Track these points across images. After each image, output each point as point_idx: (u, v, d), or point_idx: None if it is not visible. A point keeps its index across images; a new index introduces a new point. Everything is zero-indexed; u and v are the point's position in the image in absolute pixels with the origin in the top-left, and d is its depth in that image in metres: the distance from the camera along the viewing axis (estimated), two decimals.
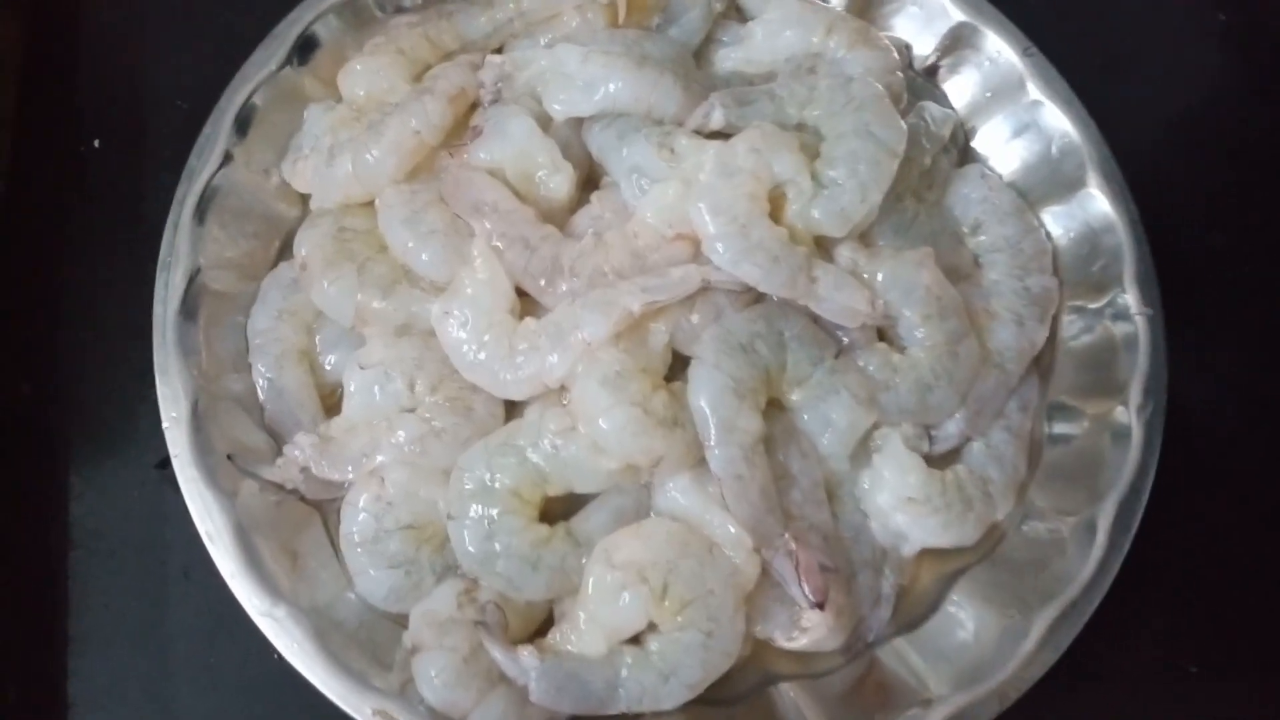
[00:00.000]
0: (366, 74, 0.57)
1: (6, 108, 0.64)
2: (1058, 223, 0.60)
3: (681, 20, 0.60)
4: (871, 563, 0.52)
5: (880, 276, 0.54)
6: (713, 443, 0.49)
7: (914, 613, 0.53)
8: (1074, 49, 0.63)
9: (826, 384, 0.52)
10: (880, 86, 0.56)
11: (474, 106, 0.56)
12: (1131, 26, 0.73)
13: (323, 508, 0.53)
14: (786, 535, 0.49)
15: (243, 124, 0.58)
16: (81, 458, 0.59)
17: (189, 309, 0.54)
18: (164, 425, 0.51)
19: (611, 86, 0.53)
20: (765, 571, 0.49)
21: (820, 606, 0.48)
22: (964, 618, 0.53)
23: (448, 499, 0.50)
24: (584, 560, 0.49)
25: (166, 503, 0.55)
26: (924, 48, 0.65)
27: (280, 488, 0.51)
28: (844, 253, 0.54)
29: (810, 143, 0.54)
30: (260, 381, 0.54)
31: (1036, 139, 0.62)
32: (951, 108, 0.64)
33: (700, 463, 0.50)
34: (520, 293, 0.52)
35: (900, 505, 0.52)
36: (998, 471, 0.55)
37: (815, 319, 0.53)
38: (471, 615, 0.48)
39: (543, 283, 0.52)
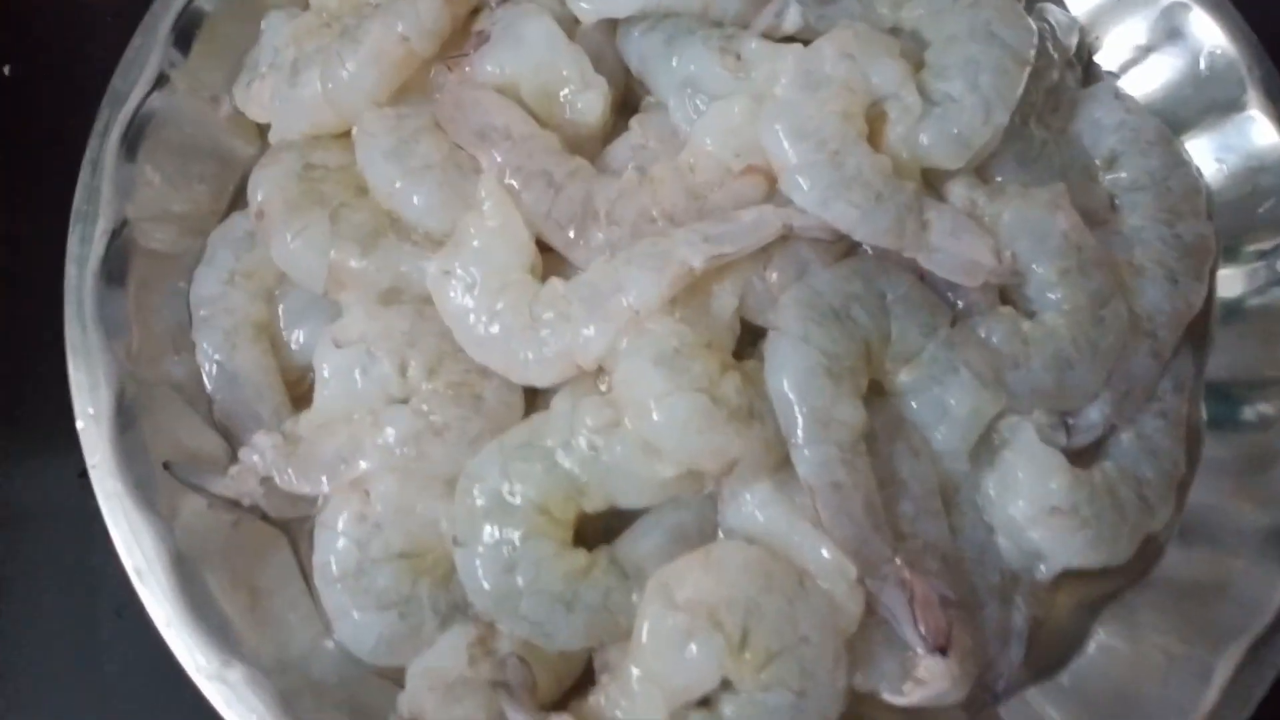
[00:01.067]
0: None
1: None
2: (1209, 155, 0.55)
3: None
4: (1000, 591, 0.47)
5: (1006, 219, 0.48)
6: (801, 440, 0.44)
7: (1052, 653, 0.48)
8: None
9: (943, 361, 0.46)
10: None
11: (477, 8, 0.51)
12: None
13: (291, 529, 0.48)
14: (898, 560, 0.43)
15: (184, 37, 0.52)
16: None
17: (113, 271, 0.48)
18: (79, 424, 0.45)
19: None
20: (869, 609, 0.44)
21: (942, 651, 0.43)
22: (1116, 658, 0.47)
23: (453, 518, 0.45)
24: (634, 597, 0.43)
25: (95, 521, 0.47)
26: None
27: (236, 504, 0.46)
28: (959, 190, 0.49)
29: (909, 52, 0.48)
30: (208, 365, 0.50)
31: (1179, 52, 0.56)
32: (1068, 11, 0.57)
33: (782, 467, 0.44)
34: (542, 246, 0.47)
35: (1040, 517, 0.47)
36: (1153, 469, 0.49)
37: (922, 276, 0.47)
38: (488, 673, 0.43)
39: (572, 232, 0.46)
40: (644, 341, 0.43)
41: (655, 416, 0.42)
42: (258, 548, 0.47)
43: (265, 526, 0.47)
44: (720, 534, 0.45)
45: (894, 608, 0.43)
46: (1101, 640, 0.48)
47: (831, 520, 0.43)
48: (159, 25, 0.51)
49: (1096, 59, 0.58)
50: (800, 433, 0.44)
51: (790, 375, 0.44)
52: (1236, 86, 0.54)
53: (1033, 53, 0.48)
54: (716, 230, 0.45)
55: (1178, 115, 0.55)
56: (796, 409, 0.44)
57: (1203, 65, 0.55)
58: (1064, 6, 0.58)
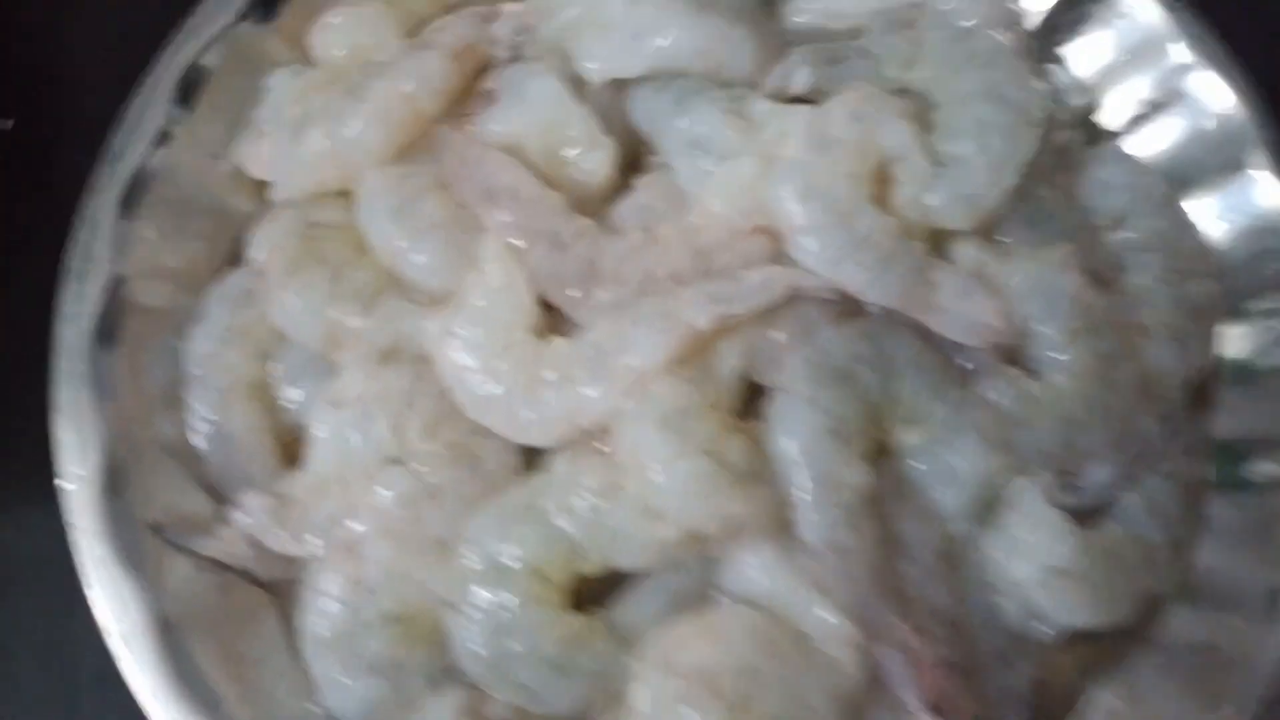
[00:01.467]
0: (346, 28, 0.52)
1: None
2: (1214, 215, 0.54)
3: None
4: (1002, 653, 0.46)
5: (1015, 281, 0.47)
6: (808, 503, 0.43)
7: (1054, 714, 0.47)
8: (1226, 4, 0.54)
9: (951, 423, 0.46)
10: (1004, 40, 0.50)
11: (485, 67, 0.51)
12: None
13: (280, 592, 0.47)
14: (906, 626, 0.43)
15: (186, 93, 0.51)
16: None
17: (107, 330, 0.47)
18: (68, 486, 0.44)
19: (666, 38, 0.48)
20: (872, 672, 0.43)
21: (941, 715, 0.42)
22: None
23: (447, 582, 0.44)
24: (630, 663, 0.43)
25: (77, 585, 0.46)
26: (1041, 1, 0.57)
27: (224, 566, 0.45)
28: (968, 251, 0.48)
29: (918, 112, 0.48)
30: (200, 425, 0.48)
31: (1184, 112, 0.54)
32: (1074, 75, 0.57)
33: (785, 530, 0.44)
34: (546, 305, 0.47)
35: (1044, 579, 0.46)
36: (1160, 531, 0.49)
37: (928, 337, 0.47)
38: None
39: (576, 292, 0.46)
40: (648, 403, 0.43)
41: (658, 479, 0.42)
42: (245, 613, 0.46)
43: (254, 591, 0.46)
44: (720, 598, 0.44)
45: (896, 672, 0.43)
46: (1104, 702, 0.47)
47: (836, 584, 0.43)
48: (161, 84, 0.50)
49: (1100, 119, 0.56)
50: (808, 495, 0.43)
51: (797, 437, 0.43)
52: (1242, 147, 0.53)
53: (1044, 115, 0.48)
54: (723, 291, 0.44)
55: (1182, 175, 0.54)
56: (805, 471, 0.43)
57: (1207, 125, 0.54)
58: (1066, 68, 0.56)
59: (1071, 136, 0.54)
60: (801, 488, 0.43)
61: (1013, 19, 0.53)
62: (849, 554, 0.43)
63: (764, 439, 0.44)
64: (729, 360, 0.45)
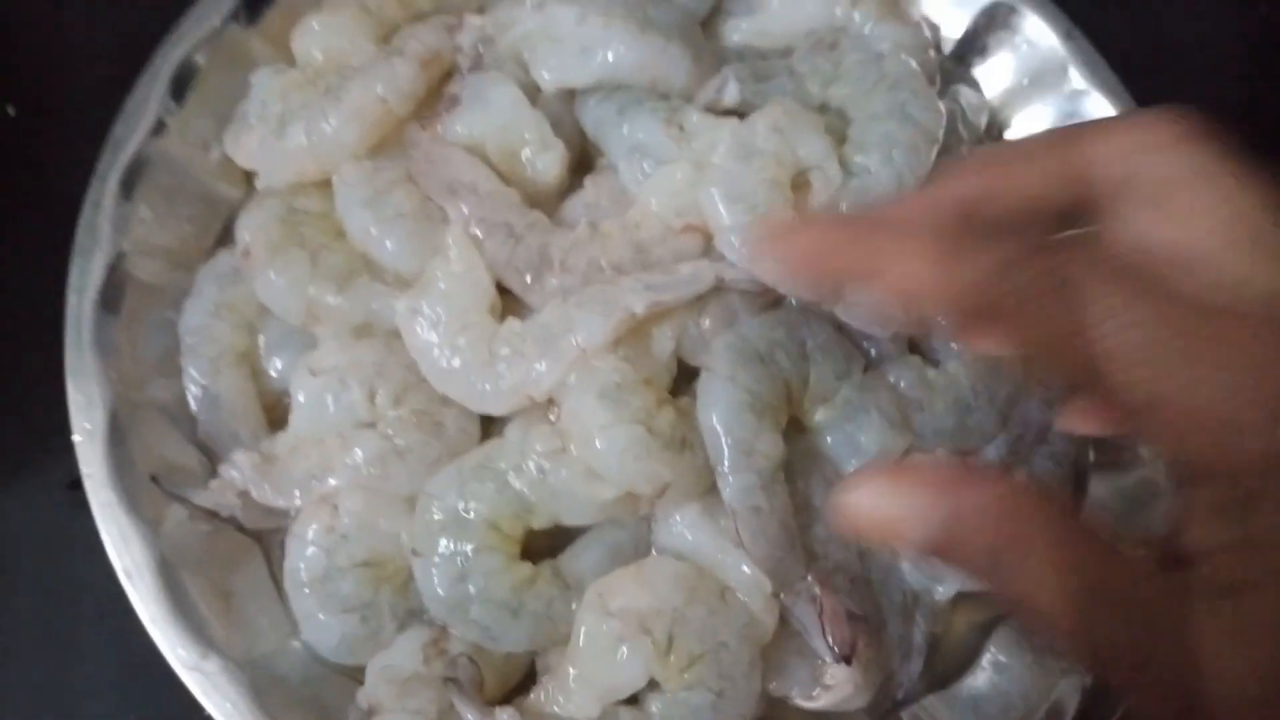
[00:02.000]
0: (325, 32, 0.51)
1: None
2: None
3: None
4: (902, 609, 0.48)
5: None
6: (726, 469, 0.44)
7: (947, 666, 0.49)
8: (1119, 33, 0.58)
9: (855, 402, 0.47)
10: (915, 64, 0.51)
11: (449, 73, 0.52)
12: (1186, 8, 0.69)
13: (264, 539, 0.48)
14: (810, 578, 0.44)
15: (179, 88, 0.52)
16: None
17: (109, 301, 0.48)
18: (75, 438, 0.46)
19: (611, 53, 0.48)
20: (783, 621, 0.45)
21: (847, 660, 0.44)
22: (1003, 672, 0.49)
23: (412, 532, 0.45)
24: (573, 606, 0.44)
25: (79, 530, 0.48)
26: (954, 29, 0.60)
27: (214, 515, 0.46)
28: None
29: (834, 126, 0.49)
30: (192, 388, 0.49)
31: None
32: (983, 94, 0.59)
33: (709, 492, 0.45)
34: (501, 289, 0.47)
35: None
36: None
37: (839, 326, 0.48)
38: (440, 671, 0.43)
39: (528, 278, 0.47)
40: (590, 377, 0.43)
41: (598, 444, 0.43)
42: (233, 555, 0.47)
43: (240, 536, 0.47)
44: (653, 551, 0.46)
45: (805, 620, 0.44)
46: (993, 656, 0.48)
47: (751, 540, 0.43)
48: (157, 79, 0.51)
49: (1007, 136, 0.59)
50: (726, 461, 0.44)
51: (719, 410, 0.44)
52: None
53: (941, 132, 0.48)
54: (658, 281, 0.45)
55: None
56: (723, 440, 0.44)
57: None
58: (978, 89, 0.59)
59: (974, 151, 0.54)
60: (720, 454, 0.44)
61: (925, 45, 0.53)
62: (762, 514, 0.43)
63: (691, 413, 0.45)
64: (662, 342, 0.45)
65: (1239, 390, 0.26)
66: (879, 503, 0.28)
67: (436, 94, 0.51)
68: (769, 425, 0.45)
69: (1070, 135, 0.34)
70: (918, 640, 0.48)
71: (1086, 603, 0.26)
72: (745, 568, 0.44)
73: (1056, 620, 0.26)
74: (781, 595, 0.44)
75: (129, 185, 0.50)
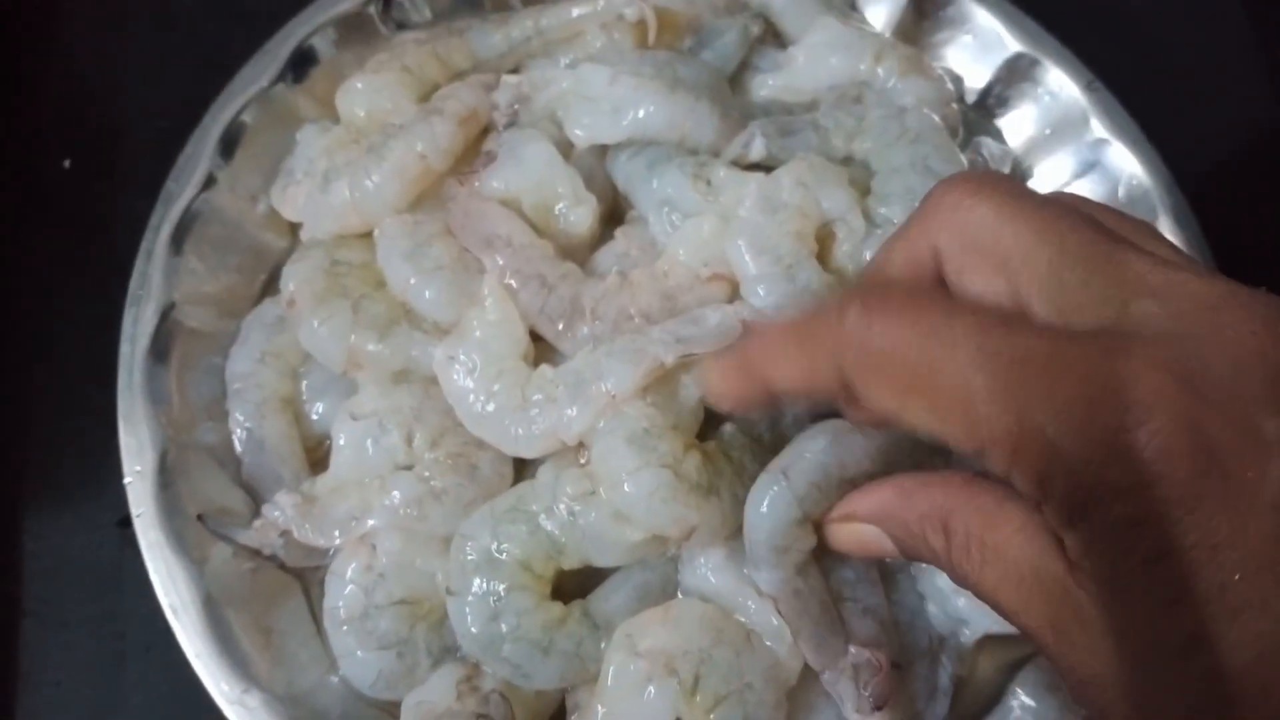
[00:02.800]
0: (368, 92, 0.54)
1: None
2: None
3: (715, 44, 0.56)
4: (928, 651, 0.48)
5: None
6: (761, 559, 0.44)
7: (973, 707, 0.49)
8: (1140, 85, 0.59)
9: None
10: (937, 118, 0.52)
11: (486, 130, 0.53)
12: (1204, 60, 0.69)
13: (304, 577, 0.49)
14: (852, 649, 0.45)
15: (229, 145, 0.54)
16: (35, 513, 0.54)
17: (160, 349, 0.50)
18: (126, 480, 0.47)
19: (642, 111, 0.50)
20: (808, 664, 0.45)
21: (879, 709, 0.44)
22: (1029, 715, 0.48)
23: (447, 571, 0.45)
24: (602, 645, 0.44)
25: (127, 567, 0.50)
26: (977, 80, 0.61)
27: (257, 554, 0.47)
28: None
29: (858, 178, 0.51)
30: (238, 432, 0.50)
31: (1101, 180, 0.58)
32: (1006, 144, 0.61)
33: (735, 536, 0.45)
34: (535, 337, 0.48)
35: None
36: None
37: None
38: (473, 707, 0.43)
39: (561, 326, 0.48)
40: (619, 423, 0.44)
41: (626, 488, 0.43)
42: (274, 593, 0.47)
43: (281, 574, 0.47)
44: (679, 593, 0.46)
45: (843, 693, 0.44)
46: (1019, 699, 0.48)
47: (795, 620, 0.43)
48: (208, 136, 0.53)
49: (1030, 184, 0.59)
50: (763, 554, 0.43)
51: (770, 517, 0.43)
52: (1150, 212, 0.55)
53: None
54: (687, 331, 0.45)
55: None
56: (766, 540, 0.43)
57: (1121, 193, 0.57)
58: (1001, 139, 0.60)
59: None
60: (759, 549, 0.43)
61: (948, 98, 0.55)
62: (802, 595, 0.43)
63: (717, 458, 0.45)
64: (689, 389, 0.46)
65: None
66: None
67: (474, 150, 0.52)
68: (809, 529, 0.44)
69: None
70: (944, 682, 0.48)
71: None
72: (773, 618, 0.44)
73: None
74: (824, 675, 0.44)
75: (180, 238, 0.52)
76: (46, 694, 0.51)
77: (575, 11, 0.55)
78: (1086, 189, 0.58)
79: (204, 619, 0.45)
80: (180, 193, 0.52)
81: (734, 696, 0.43)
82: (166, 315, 0.50)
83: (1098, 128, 0.58)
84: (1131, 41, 0.68)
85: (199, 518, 0.47)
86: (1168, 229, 0.55)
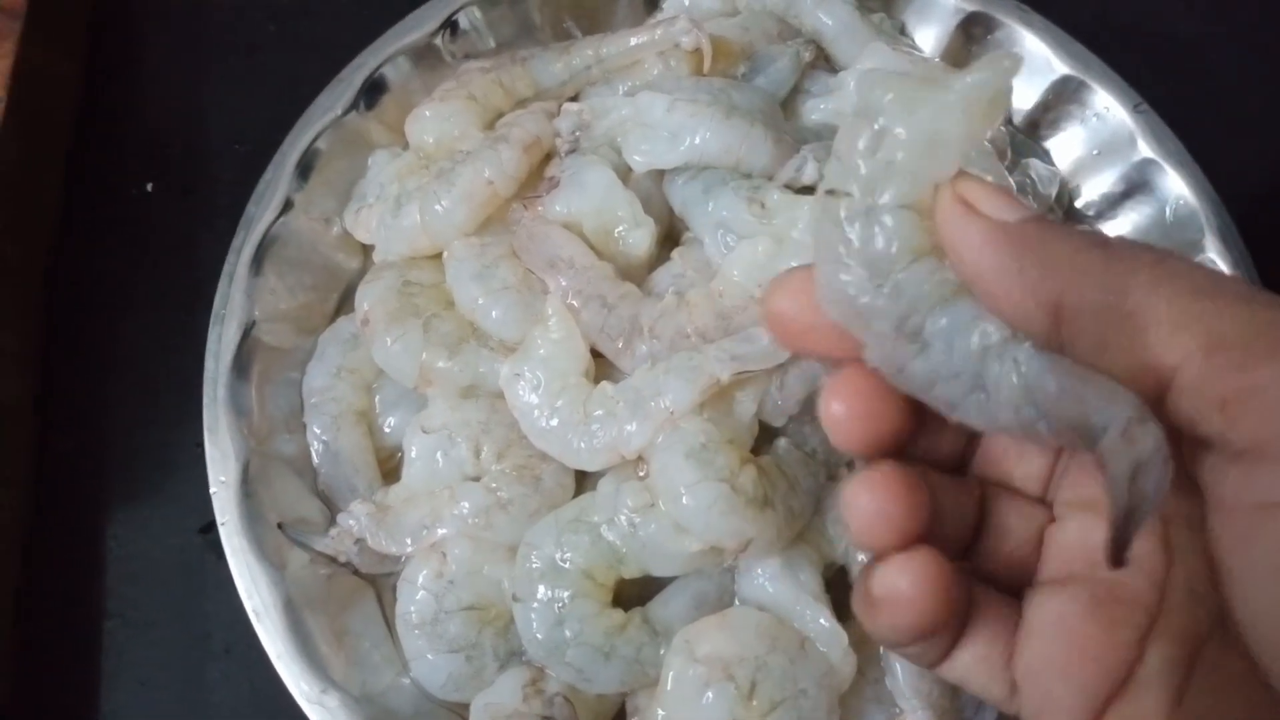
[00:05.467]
0: (436, 120, 0.55)
1: (60, 149, 0.63)
2: None
3: (768, 70, 0.57)
4: None
5: None
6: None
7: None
8: (1187, 107, 0.60)
9: None
10: (985, 141, 0.54)
11: (549, 156, 0.55)
12: (1248, 83, 0.70)
13: (377, 582, 0.50)
14: None
15: (305, 169, 0.56)
16: (121, 519, 0.56)
17: (242, 364, 0.52)
18: (212, 489, 0.49)
19: (698, 137, 0.51)
20: (861, 670, 0.46)
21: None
22: None
23: (513, 578, 0.47)
24: (662, 651, 0.45)
25: (209, 572, 0.53)
26: (1025, 101, 0.62)
27: (333, 560, 0.49)
28: None
29: None
30: (315, 444, 0.52)
31: (1148, 201, 0.59)
32: (1054, 165, 0.61)
33: (790, 547, 0.47)
34: (596, 355, 0.50)
35: None
36: None
37: None
38: (538, 709, 0.45)
39: (621, 344, 0.49)
40: (677, 438, 0.45)
41: (685, 501, 0.44)
42: (348, 597, 0.49)
43: (355, 580, 0.49)
44: (736, 601, 0.47)
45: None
46: None
47: None
48: (286, 162, 0.55)
49: (1077, 205, 0.61)
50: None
51: None
52: (1197, 232, 0.56)
53: None
54: (742, 350, 0.46)
55: None
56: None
57: (1168, 214, 0.57)
58: (1048, 159, 0.61)
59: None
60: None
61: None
62: None
63: (772, 472, 0.46)
64: (745, 405, 0.46)
65: None
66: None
67: (538, 175, 0.53)
68: None
69: None
70: None
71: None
72: (824, 620, 0.45)
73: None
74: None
75: (260, 259, 0.54)
76: (131, 693, 0.53)
77: (634, 40, 0.56)
78: (1133, 210, 0.59)
79: (284, 622, 0.46)
80: (260, 216, 0.54)
81: (789, 702, 0.44)
82: (248, 333, 0.52)
83: (1145, 149, 0.58)
84: (1178, 64, 0.68)
85: (279, 526, 0.48)
86: (1214, 250, 0.56)
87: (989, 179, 0.28)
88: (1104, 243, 0.26)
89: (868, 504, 0.29)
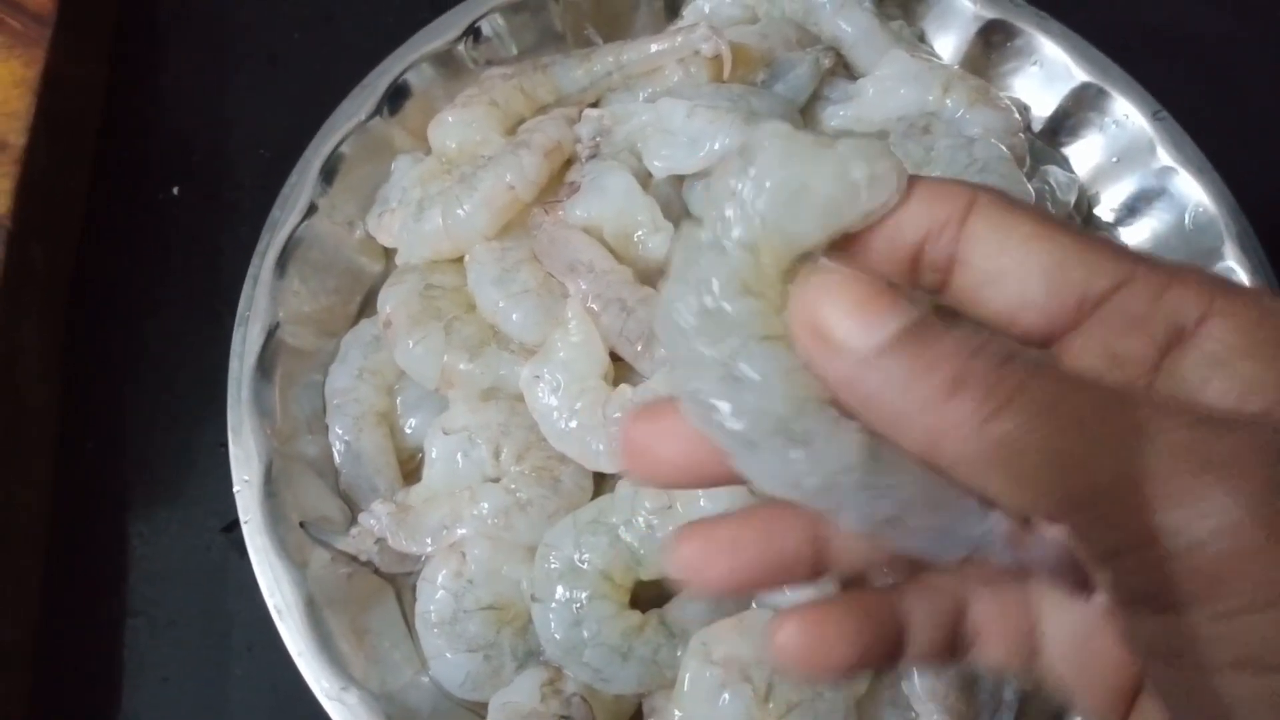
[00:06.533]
0: (458, 126, 0.56)
1: (87, 154, 0.64)
2: None
3: (788, 76, 0.58)
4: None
5: None
6: None
7: None
8: (1206, 114, 0.60)
9: None
10: (1004, 148, 0.54)
11: (569, 162, 0.55)
12: (1267, 91, 0.69)
13: (397, 581, 0.51)
14: None
15: (328, 174, 0.57)
16: (143, 519, 0.56)
17: (265, 366, 0.52)
18: (235, 489, 0.49)
19: (718, 143, 0.51)
20: (876, 673, 0.46)
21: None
22: None
23: (532, 579, 0.47)
24: (679, 653, 0.45)
25: (230, 570, 0.53)
26: (1044, 109, 0.62)
27: (354, 559, 0.49)
28: None
29: None
30: (337, 444, 0.53)
31: (1167, 208, 0.59)
32: (1073, 173, 0.61)
33: None
34: (615, 358, 0.50)
35: None
36: None
37: None
38: (556, 708, 0.45)
39: (639, 347, 0.49)
40: None
41: (702, 503, 0.45)
42: (368, 596, 0.49)
43: (376, 579, 0.49)
44: (752, 603, 0.47)
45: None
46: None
47: None
48: (310, 167, 0.55)
49: (1096, 212, 0.61)
50: None
51: None
52: (1216, 240, 0.55)
53: None
54: None
55: None
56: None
57: (1188, 220, 0.57)
58: (1067, 167, 0.61)
59: None
60: None
61: (1015, 128, 0.56)
62: None
63: None
64: None
65: None
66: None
67: (558, 180, 0.54)
68: None
69: None
70: (1008, 697, 0.48)
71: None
72: None
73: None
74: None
75: (284, 262, 0.54)
76: (154, 690, 0.53)
77: (654, 47, 0.57)
78: (1153, 217, 0.59)
79: (306, 620, 0.46)
80: (284, 220, 0.55)
81: (805, 704, 0.44)
82: (271, 335, 0.52)
83: (1164, 156, 0.58)
84: (1197, 71, 0.68)
85: (301, 525, 0.48)
86: (1233, 257, 0.55)
87: (861, 274, 0.23)
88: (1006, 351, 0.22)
89: (789, 638, 0.27)
